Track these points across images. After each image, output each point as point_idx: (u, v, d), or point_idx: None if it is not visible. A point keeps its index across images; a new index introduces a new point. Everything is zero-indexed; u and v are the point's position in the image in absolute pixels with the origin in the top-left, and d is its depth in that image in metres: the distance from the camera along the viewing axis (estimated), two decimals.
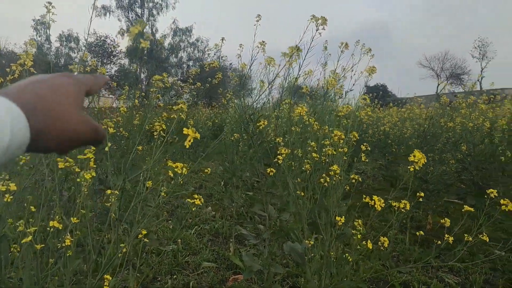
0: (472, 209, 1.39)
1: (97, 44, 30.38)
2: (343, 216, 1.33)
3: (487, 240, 1.39)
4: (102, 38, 30.81)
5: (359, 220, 1.38)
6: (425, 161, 1.21)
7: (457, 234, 3.68)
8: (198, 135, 0.60)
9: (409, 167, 1.21)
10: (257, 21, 1.86)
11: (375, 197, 1.34)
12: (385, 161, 5.19)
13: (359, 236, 1.25)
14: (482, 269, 3.03)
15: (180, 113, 0.88)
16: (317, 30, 1.50)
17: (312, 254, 1.40)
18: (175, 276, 2.93)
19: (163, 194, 1.20)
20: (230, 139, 2.78)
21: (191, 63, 33.68)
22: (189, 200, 1.22)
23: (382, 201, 1.54)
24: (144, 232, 1.19)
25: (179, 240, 3.57)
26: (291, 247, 1.51)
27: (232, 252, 3.28)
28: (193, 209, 1.21)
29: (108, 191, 1.09)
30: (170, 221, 4.29)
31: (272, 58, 1.85)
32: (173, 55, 34.13)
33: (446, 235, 1.36)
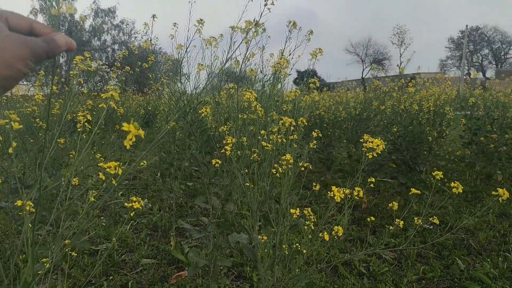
0: (419, 192, 1.41)
1: None
2: (297, 207, 1.27)
3: (437, 223, 1.42)
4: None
5: (309, 209, 1.34)
6: (384, 147, 1.19)
7: (389, 212, 3.88)
8: (142, 132, 0.46)
9: (367, 154, 1.17)
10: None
11: (334, 188, 1.29)
12: (320, 144, 5.31)
13: (312, 226, 1.20)
14: (414, 244, 3.23)
15: (111, 102, 0.74)
16: (265, 6, 1.39)
17: (265, 249, 1.33)
18: (111, 277, 2.70)
19: (92, 198, 1.02)
20: (166, 127, 2.59)
21: (116, 46, 31.67)
22: (126, 204, 1.06)
23: (341, 191, 1.49)
24: (67, 241, 1.01)
25: (113, 238, 3.31)
26: (237, 238, 1.42)
27: (173, 247, 3.12)
28: (128, 205, 1.06)
29: (18, 203, 0.89)
30: (102, 217, 3.98)
31: (214, 37, 1.71)
32: (96, 38, 31.81)
33: (397, 220, 1.36)
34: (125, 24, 31.81)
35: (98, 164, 0.86)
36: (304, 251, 1.22)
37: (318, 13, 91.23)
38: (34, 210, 0.89)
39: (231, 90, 1.45)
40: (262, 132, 1.30)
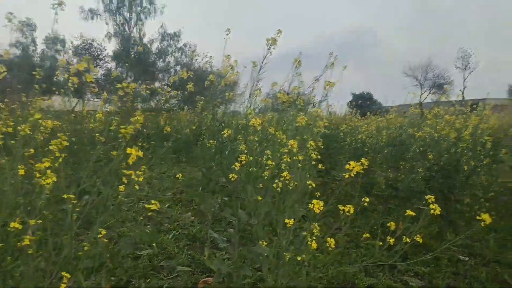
0: (413, 213, 1.50)
1: (84, 48, 30.06)
2: (299, 220, 1.42)
3: (421, 241, 1.49)
4: (89, 41, 30.53)
5: (316, 224, 1.48)
6: (359, 169, 1.32)
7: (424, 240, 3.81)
8: (141, 153, 0.68)
9: (345, 174, 1.31)
10: (227, 34, 1.96)
11: (348, 206, 1.43)
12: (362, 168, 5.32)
13: (314, 244, 1.33)
14: (445, 274, 3.16)
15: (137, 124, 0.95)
16: (268, 49, 1.61)
17: (270, 256, 1.49)
18: (149, 280, 2.98)
19: (150, 206, 1.25)
20: (207, 145, 2.87)
21: (178, 67, 33.62)
22: (147, 205, 1.29)
23: (352, 208, 1.63)
24: (104, 232, 1.25)
25: (154, 244, 3.62)
26: (253, 249, 1.59)
27: (206, 257, 3.34)
28: (148, 206, 1.28)
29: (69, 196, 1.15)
30: (148, 226, 4.33)
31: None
32: (161, 60, 34.04)
33: (388, 237, 1.46)
34: (188, 47, 33.74)
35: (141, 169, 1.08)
36: (300, 258, 1.35)
37: (379, 31, 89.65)
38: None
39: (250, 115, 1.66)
40: (268, 152, 1.49)
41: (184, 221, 4.56)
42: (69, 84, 2.10)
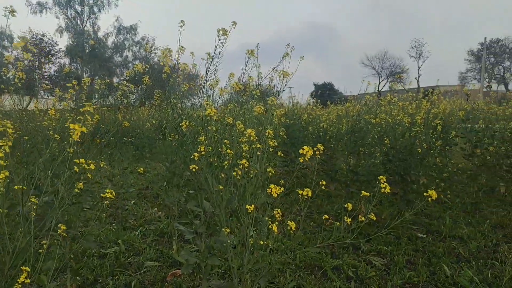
0: (368, 194, 1.59)
1: (33, 43, 28.51)
2: (264, 208, 1.46)
3: (374, 219, 1.58)
4: (39, 36, 28.99)
5: (278, 209, 1.53)
6: (312, 153, 1.38)
7: (385, 221, 3.99)
8: (85, 129, 0.69)
9: (299, 159, 1.36)
10: (181, 26, 1.95)
11: (306, 190, 1.47)
12: (324, 156, 5.48)
13: (274, 227, 1.37)
14: (405, 251, 3.35)
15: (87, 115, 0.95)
16: (219, 41, 1.63)
17: (234, 242, 1.53)
18: (116, 277, 2.94)
19: (79, 185, 1.24)
20: (169, 139, 2.85)
21: (137, 62, 32.76)
22: (102, 194, 1.27)
23: (310, 191, 1.68)
24: (63, 227, 1.23)
25: (120, 241, 3.56)
26: (218, 239, 1.63)
27: (175, 250, 3.34)
28: (103, 195, 1.27)
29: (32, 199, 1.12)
30: (114, 224, 4.25)
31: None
32: (118, 55, 33.00)
33: (346, 217, 1.53)
34: (146, 40, 32.91)
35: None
36: (262, 242, 1.40)
37: (337, 26, 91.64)
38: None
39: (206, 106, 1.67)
40: (226, 141, 1.52)
41: (150, 217, 4.52)
42: (16, 80, 2.02)
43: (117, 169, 6.07)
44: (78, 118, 1.01)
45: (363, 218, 1.57)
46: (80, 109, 1.05)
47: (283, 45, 2.63)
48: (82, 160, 1.05)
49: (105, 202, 1.28)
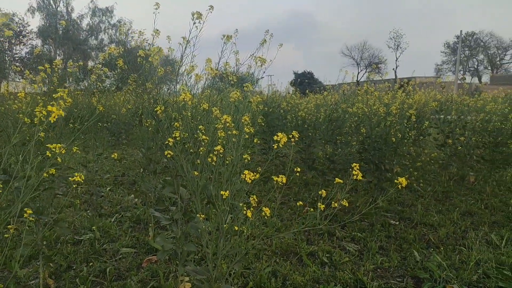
0: (341, 181, 1.61)
1: (3, 23, 27.22)
2: (240, 194, 1.47)
3: (347, 205, 1.62)
4: (9, 16, 27.67)
5: (254, 196, 1.54)
6: (286, 140, 1.39)
7: (359, 208, 4.09)
8: (62, 112, 0.67)
9: (273, 145, 1.37)
10: (156, 9, 1.90)
11: (280, 176, 1.48)
12: (303, 144, 5.53)
13: (249, 212, 1.38)
14: (378, 237, 3.45)
15: (60, 101, 0.91)
16: (194, 24, 1.61)
17: (210, 228, 1.53)
18: (91, 264, 2.90)
19: (52, 171, 1.21)
20: (145, 125, 2.80)
21: (113, 45, 31.89)
22: (70, 178, 1.24)
23: (285, 178, 1.69)
24: (30, 211, 1.20)
25: (95, 228, 3.51)
26: (193, 225, 1.63)
27: (151, 237, 3.32)
28: (72, 179, 1.24)
29: None
30: (88, 211, 4.18)
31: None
32: (93, 37, 31.97)
33: (320, 204, 1.56)
34: (122, 23, 31.98)
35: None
36: (236, 228, 1.41)
37: (317, 15, 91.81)
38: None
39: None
40: (201, 127, 1.51)
41: (127, 204, 4.46)
42: None
43: (92, 155, 5.95)
44: (51, 103, 0.97)
45: (336, 204, 1.60)
46: (53, 95, 1.01)
47: (263, 33, 2.62)
48: (56, 145, 1.02)
49: (76, 186, 1.24)
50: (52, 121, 0.63)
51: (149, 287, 2.54)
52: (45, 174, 1.21)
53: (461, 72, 45.94)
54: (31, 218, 1.12)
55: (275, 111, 6.34)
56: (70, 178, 1.21)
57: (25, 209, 1.14)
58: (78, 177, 1.21)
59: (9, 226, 1.16)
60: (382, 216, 3.97)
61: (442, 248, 3.20)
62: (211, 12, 1.71)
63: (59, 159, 1.06)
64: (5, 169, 2.70)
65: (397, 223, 3.83)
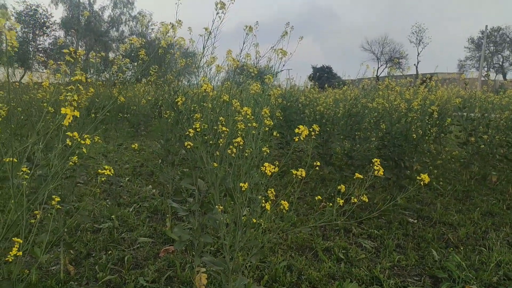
0: (361, 176, 1.59)
1: (28, 14, 27.80)
2: (257, 187, 1.47)
3: (366, 201, 1.59)
4: (33, 7, 28.28)
5: (272, 189, 1.54)
6: (307, 132, 1.37)
7: (376, 204, 4.03)
8: (77, 113, 0.67)
9: (294, 138, 1.36)
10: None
11: (300, 170, 1.46)
12: (320, 139, 5.49)
13: (268, 205, 1.38)
14: (396, 235, 3.40)
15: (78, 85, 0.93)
16: (217, 14, 1.60)
17: (227, 220, 1.54)
18: (110, 252, 2.97)
19: (74, 158, 1.22)
20: (165, 116, 2.83)
21: (134, 37, 32.31)
22: (99, 170, 1.26)
23: (304, 172, 1.68)
24: (58, 199, 1.23)
25: (114, 217, 3.58)
26: (211, 216, 1.64)
27: (168, 227, 3.37)
28: (101, 172, 1.25)
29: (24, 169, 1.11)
30: (108, 200, 4.26)
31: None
32: (114, 29, 32.41)
33: (338, 199, 1.54)
34: (142, 15, 32.30)
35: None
36: (255, 220, 1.41)
37: (336, 8, 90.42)
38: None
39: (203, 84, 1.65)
40: (221, 118, 1.51)
41: (145, 194, 4.53)
42: (9, 49, 1.97)
43: (112, 145, 6.05)
44: (69, 87, 0.99)
45: (355, 200, 1.58)
46: (72, 78, 1.02)
47: (283, 25, 2.59)
48: (75, 134, 1.04)
49: (103, 179, 1.26)
50: (66, 125, 0.63)
51: (166, 277, 2.58)
52: (70, 163, 1.23)
53: (485, 68, 44.58)
54: (58, 206, 1.15)
55: (293, 105, 6.30)
56: (99, 170, 1.23)
57: (53, 196, 1.17)
58: (107, 170, 1.22)
59: (35, 212, 1.19)
60: (400, 214, 3.91)
61: (461, 248, 3.14)
62: (232, 3, 1.70)
63: (84, 150, 1.08)
64: (29, 157, 2.77)
65: (416, 221, 3.77)
